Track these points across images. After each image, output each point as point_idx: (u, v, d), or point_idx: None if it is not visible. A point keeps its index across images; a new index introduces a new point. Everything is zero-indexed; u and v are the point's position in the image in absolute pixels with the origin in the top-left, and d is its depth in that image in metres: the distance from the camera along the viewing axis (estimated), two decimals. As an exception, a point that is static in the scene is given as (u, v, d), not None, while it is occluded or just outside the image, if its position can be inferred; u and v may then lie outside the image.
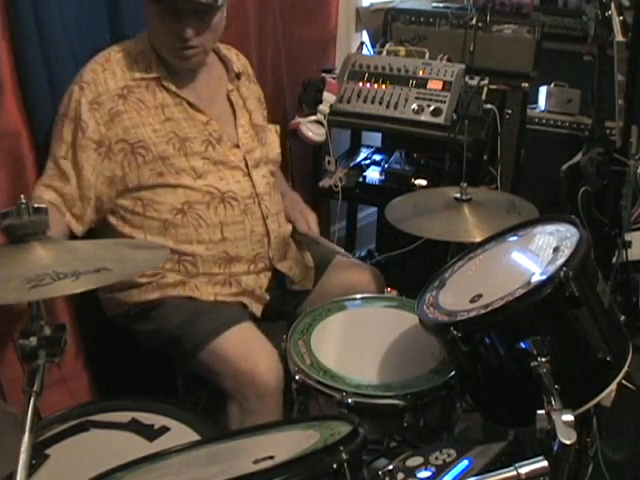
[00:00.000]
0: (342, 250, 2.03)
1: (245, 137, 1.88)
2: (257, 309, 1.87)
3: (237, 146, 1.85)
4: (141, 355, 1.85)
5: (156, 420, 1.45)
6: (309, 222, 2.01)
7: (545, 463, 1.08)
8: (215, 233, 1.78)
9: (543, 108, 3.16)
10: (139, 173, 1.72)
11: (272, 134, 2.02)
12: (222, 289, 1.81)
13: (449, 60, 2.64)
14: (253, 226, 1.82)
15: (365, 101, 2.49)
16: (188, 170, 1.75)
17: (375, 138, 3.07)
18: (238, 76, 1.92)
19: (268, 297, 1.89)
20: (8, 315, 1.68)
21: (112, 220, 1.78)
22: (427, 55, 2.69)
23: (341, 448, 0.99)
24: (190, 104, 1.78)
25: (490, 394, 1.42)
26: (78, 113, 1.68)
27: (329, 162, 2.59)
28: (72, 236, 1.72)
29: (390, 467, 1.28)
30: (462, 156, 2.34)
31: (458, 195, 1.86)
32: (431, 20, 2.86)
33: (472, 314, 1.34)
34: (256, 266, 1.85)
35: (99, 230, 1.80)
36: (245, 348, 1.67)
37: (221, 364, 1.67)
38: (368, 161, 2.79)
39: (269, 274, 1.90)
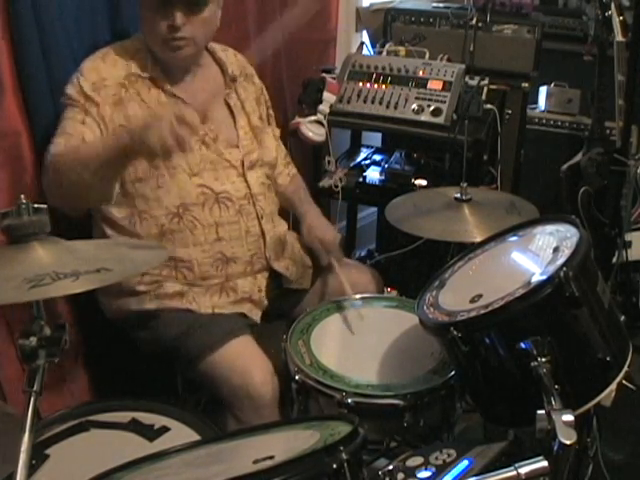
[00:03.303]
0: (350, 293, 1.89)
1: (245, 138, 1.88)
2: (256, 315, 1.87)
3: (235, 146, 1.85)
4: (141, 355, 1.85)
5: (156, 420, 1.45)
6: (329, 249, 1.94)
7: (545, 463, 1.08)
8: (210, 233, 1.78)
9: (543, 108, 3.16)
10: (136, 162, 1.69)
11: (269, 137, 2.02)
12: (220, 300, 1.81)
13: (449, 60, 2.64)
14: (249, 227, 1.83)
15: (365, 101, 2.49)
16: (184, 166, 1.74)
17: (375, 138, 3.07)
18: (233, 79, 1.91)
19: (266, 302, 1.89)
20: (8, 315, 1.69)
21: (109, 232, 1.78)
22: (427, 55, 2.69)
23: (341, 448, 0.99)
24: (185, 103, 1.77)
25: (490, 394, 1.42)
26: (84, 94, 1.67)
27: (329, 162, 2.59)
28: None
29: (390, 467, 1.29)
30: (462, 156, 2.34)
31: (458, 195, 1.86)
32: (431, 20, 2.86)
33: (472, 314, 1.34)
34: (253, 267, 1.85)
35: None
36: (240, 363, 1.67)
37: (217, 377, 1.68)
38: (368, 161, 2.79)
39: (266, 274, 1.90)
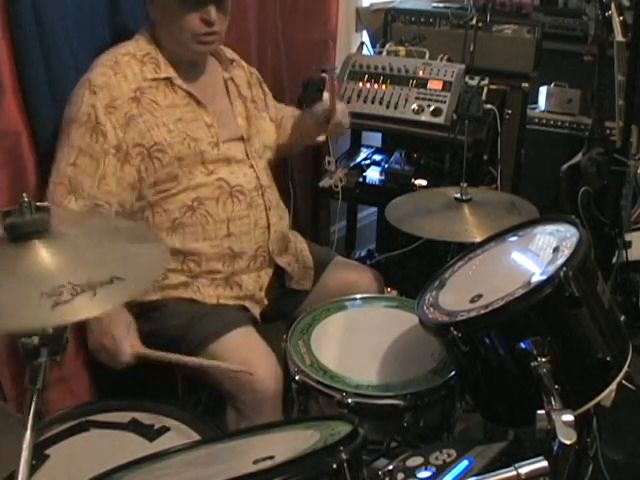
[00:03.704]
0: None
1: (245, 124, 1.90)
2: (256, 312, 1.87)
3: (240, 138, 1.86)
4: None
5: (156, 420, 1.45)
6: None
7: (545, 463, 1.08)
8: (222, 229, 1.78)
9: (543, 108, 3.17)
10: (156, 177, 1.72)
11: (266, 122, 2.03)
12: (224, 291, 1.82)
13: (449, 60, 2.64)
14: (257, 219, 1.84)
15: (365, 101, 2.50)
16: (201, 169, 1.76)
17: (375, 138, 3.07)
18: (232, 61, 1.94)
19: (266, 301, 1.90)
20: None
21: None
22: (427, 55, 2.69)
23: (341, 448, 0.99)
24: (198, 102, 1.78)
25: (490, 394, 1.42)
26: (94, 118, 1.65)
27: (329, 162, 2.59)
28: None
29: (390, 467, 1.29)
30: (462, 156, 2.34)
31: (458, 195, 1.86)
32: (431, 20, 2.86)
33: (472, 314, 1.34)
34: (256, 261, 1.86)
35: None
36: (244, 353, 1.67)
37: (219, 369, 1.67)
38: (368, 161, 2.79)
39: (269, 271, 1.91)
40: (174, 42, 1.74)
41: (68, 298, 1.00)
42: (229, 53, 1.97)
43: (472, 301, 1.39)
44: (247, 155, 1.86)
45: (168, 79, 1.75)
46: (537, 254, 1.44)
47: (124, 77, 1.70)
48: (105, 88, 1.67)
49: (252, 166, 1.86)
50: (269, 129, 2.03)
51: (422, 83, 2.49)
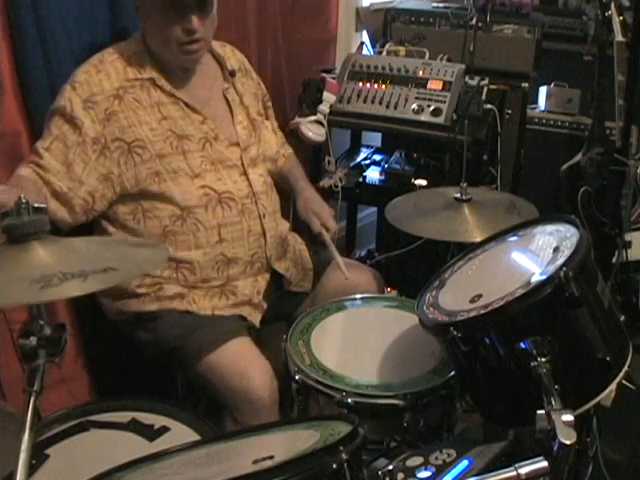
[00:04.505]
0: (342, 264, 1.88)
1: (244, 134, 1.88)
2: (256, 319, 1.87)
3: (236, 144, 1.85)
4: (141, 355, 1.85)
5: (156, 420, 1.45)
6: (324, 221, 1.93)
7: (545, 463, 1.08)
8: (213, 236, 1.78)
9: (543, 108, 3.16)
10: (136, 172, 1.71)
11: (268, 132, 2.02)
12: (219, 302, 1.81)
13: (449, 60, 2.64)
14: (250, 226, 1.83)
15: (365, 101, 2.49)
16: (185, 169, 1.75)
17: (375, 138, 3.07)
18: (232, 73, 1.92)
19: (266, 305, 1.89)
20: (8, 315, 1.68)
21: (111, 229, 1.78)
22: (427, 55, 2.69)
23: (341, 448, 0.99)
24: (186, 104, 1.78)
25: (490, 394, 1.42)
26: (70, 111, 1.66)
27: (329, 162, 2.59)
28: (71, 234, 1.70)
29: (390, 467, 1.28)
30: (462, 156, 2.34)
31: (458, 195, 1.86)
32: (431, 20, 2.86)
33: (472, 314, 1.34)
34: (253, 267, 1.85)
35: None
36: (239, 364, 1.68)
37: (216, 379, 1.68)
38: (368, 161, 2.79)
39: (267, 276, 1.90)
40: (162, 50, 1.74)
41: (57, 283, 1.00)
42: (233, 62, 1.94)
43: (472, 301, 1.39)
44: (242, 162, 1.84)
45: (151, 80, 1.75)
46: (537, 254, 1.44)
47: (107, 76, 1.71)
48: (85, 84, 1.69)
49: (245, 173, 1.84)
50: (271, 140, 2.02)
51: (422, 83, 2.49)
